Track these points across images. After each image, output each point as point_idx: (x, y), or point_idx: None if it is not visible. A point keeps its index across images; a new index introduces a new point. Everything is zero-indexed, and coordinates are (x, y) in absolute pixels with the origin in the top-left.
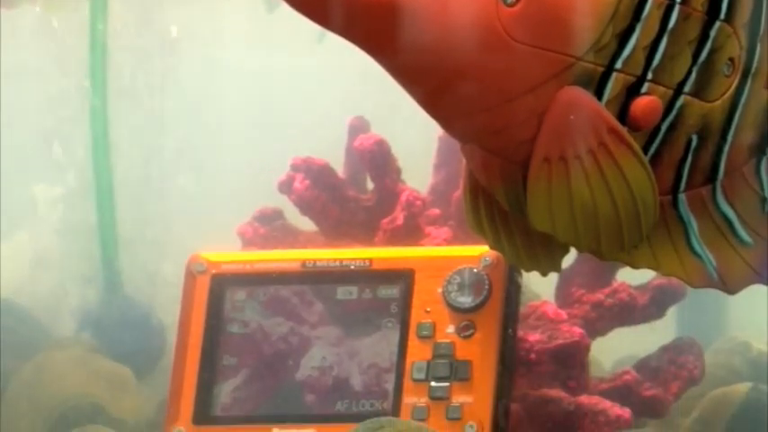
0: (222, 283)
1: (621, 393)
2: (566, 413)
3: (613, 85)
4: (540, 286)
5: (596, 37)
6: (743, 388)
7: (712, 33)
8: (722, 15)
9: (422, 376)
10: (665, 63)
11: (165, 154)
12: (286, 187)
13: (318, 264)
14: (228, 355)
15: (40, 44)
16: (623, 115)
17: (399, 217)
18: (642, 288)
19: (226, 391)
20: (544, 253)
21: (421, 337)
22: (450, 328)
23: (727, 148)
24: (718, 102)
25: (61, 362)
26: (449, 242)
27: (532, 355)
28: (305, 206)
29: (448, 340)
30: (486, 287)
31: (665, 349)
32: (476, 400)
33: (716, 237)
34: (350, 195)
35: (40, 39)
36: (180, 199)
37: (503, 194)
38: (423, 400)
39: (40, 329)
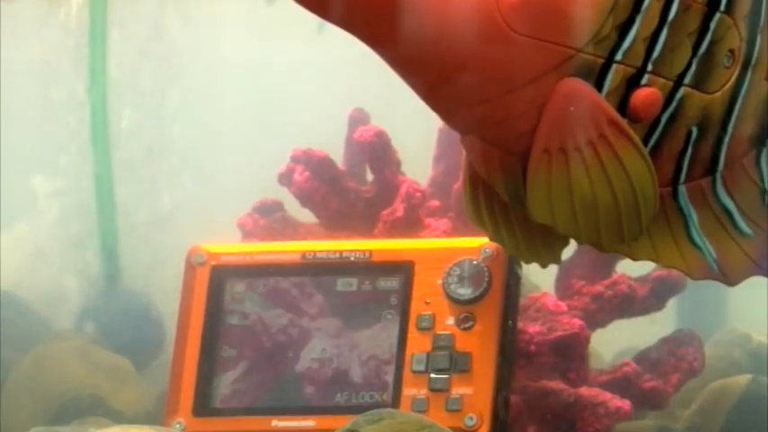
0: (222, 275)
1: (621, 385)
2: (565, 405)
3: (613, 77)
4: (539, 278)
5: (596, 29)
6: (743, 380)
7: (712, 25)
8: (722, 7)
9: (421, 368)
10: (665, 55)
11: (164, 146)
12: (286, 179)
13: (318, 255)
14: (228, 347)
15: (40, 37)
16: (623, 107)
17: (399, 209)
18: (642, 280)
19: (225, 383)
20: (544, 245)
21: (421, 329)
22: (450, 320)
23: (727, 140)
24: (719, 93)
25: (61, 354)
26: (448, 234)
27: (532, 347)
28: (305, 198)
29: (448, 332)
30: (486, 279)
31: (664, 341)
32: (475, 391)
33: (716, 228)
34: (350, 187)
35: (40, 32)
36: (180, 191)
37: (502, 186)
38: (422, 392)
39: (40, 321)
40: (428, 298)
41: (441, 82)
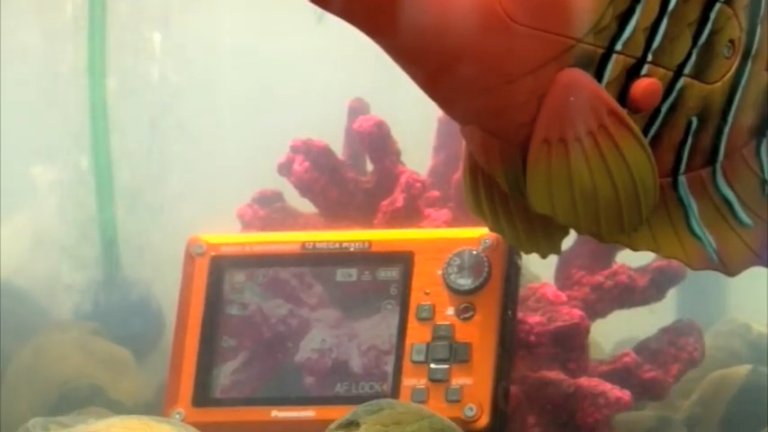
0: (221, 265)
1: (621, 376)
2: (565, 395)
3: (613, 67)
4: (539, 268)
5: (596, 19)
6: (743, 370)
7: (712, 15)
8: None
9: (421, 358)
10: (665, 45)
11: (164, 136)
12: (285, 169)
13: (318, 246)
14: (228, 338)
15: (40, 24)
16: (623, 97)
17: (399, 199)
18: (642, 270)
19: (225, 374)
20: (544, 235)
21: (420, 319)
22: (450, 311)
23: (727, 130)
24: (719, 84)
25: (60, 344)
26: (448, 224)
27: (532, 338)
28: (304, 188)
29: (447, 322)
30: (486, 269)
31: (664, 331)
32: (475, 382)
33: (716, 219)
34: (349, 177)
35: (40, 19)
36: (179, 181)
37: (502, 176)
38: (422, 382)
39: (40, 312)
40: (428, 288)
41: (440, 72)
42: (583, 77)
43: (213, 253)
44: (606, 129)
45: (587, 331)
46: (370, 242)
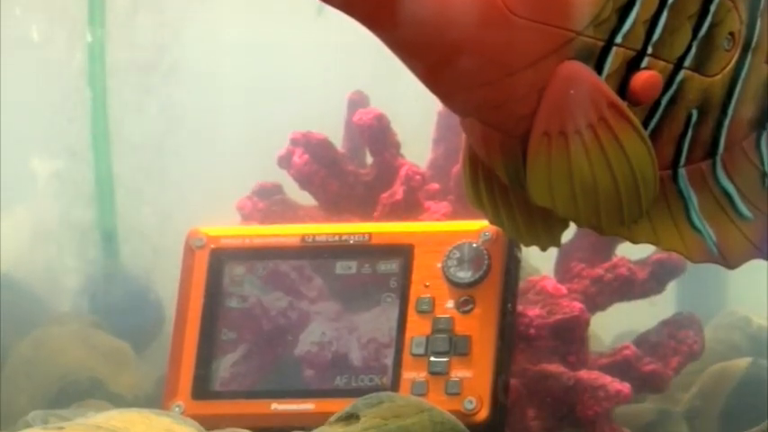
0: (221, 258)
1: (621, 368)
2: (565, 388)
3: (613, 60)
4: (539, 261)
5: (596, 11)
6: (742, 363)
7: (712, 8)
8: None
9: (421, 351)
10: (665, 37)
11: (164, 128)
12: (285, 162)
13: (317, 238)
14: (227, 330)
15: (40, 17)
16: (623, 90)
17: (398, 191)
18: (642, 263)
19: (225, 366)
20: (544, 228)
21: (420, 312)
22: (450, 303)
23: (727, 123)
24: (719, 76)
25: (60, 337)
26: (448, 217)
27: (532, 330)
28: (304, 180)
29: (447, 315)
30: (486, 262)
31: (664, 324)
32: (475, 375)
33: (716, 211)
34: (349, 170)
35: (40, 12)
36: (179, 173)
37: (502, 169)
38: (422, 375)
39: (39, 305)
40: (428, 281)
41: (440, 65)
42: (583, 70)
43: (213, 245)
44: (606, 121)
45: (587, 324)
46: (369, 235)
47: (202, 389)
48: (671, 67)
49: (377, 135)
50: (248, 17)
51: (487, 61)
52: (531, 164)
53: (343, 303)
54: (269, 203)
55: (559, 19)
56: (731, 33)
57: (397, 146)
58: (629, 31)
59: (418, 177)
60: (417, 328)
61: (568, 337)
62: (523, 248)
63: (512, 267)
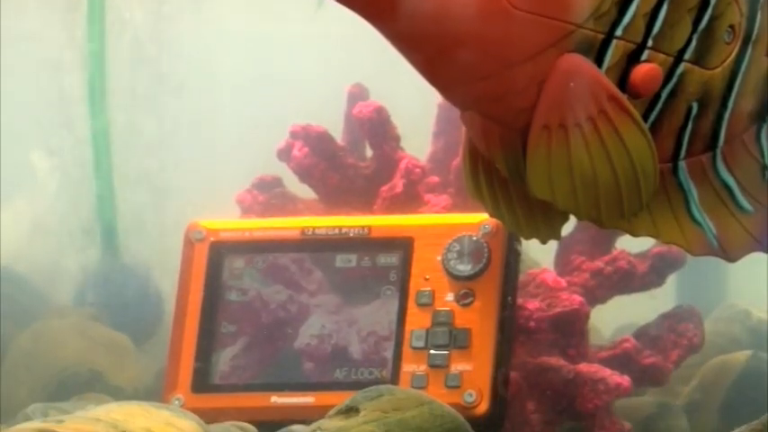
0: (221, 251)
1: (621, 361)
2: (565, 381)
3: (613, 53)
4: (539, 254)
5: (596, 4)
6: (742, 356)
7: (712, 1)
8: None
9: (421, 344)
10: (665, 30)
11: (164, 121)
12: (285, 154)
13: (317, 231)
14: (227, 323)
15: (40, 9)
16: (623, 83)
17: (398, 184)
18: (642, 256)
19: (224, 360)
20: (544, 221)
21: (420, 305)
22: (450, 296)
23: (727, 116)
24: (719, 69)
25: (60, 330)
26: (448, 210)
27: (532, 323)
28: (304, 173)
29: (447, 308)
30: (486, 255)
31: (664, 317)
32: (475, 367)
33: (716, 204)
34: (349, 163)
35: (39, 5)
36: (179, 166)
37: (502, 162)
38: (422, 368)
39: (39, 297)
40: (427, 274)
41: (440, 58)
42: (583, 63)
43: (212, 239)
44: (606, 114)
45: (587, 317)
46: (369, 228)
47: (202, 382)
48: (671, 59)
49: (377, 128)
50: (248, 10)
51: (487, 54)
52: (531, 157)
53: (342, 296)
54: (269, 196)
55: (559, 11)
56: (731, 26)
57: (396, 139)
58: (629, 24)
59: (418, 170)
60: (417, 321)
61: (568, 330)
62: (523, 241)
63: (512, 260)
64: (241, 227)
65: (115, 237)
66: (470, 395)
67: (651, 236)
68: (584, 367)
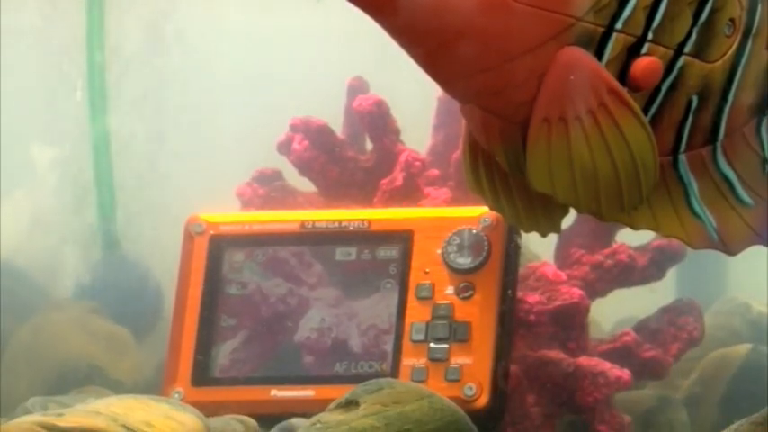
0: (220, 244)
1: (621, 355)
2: (565, 374)
3: (613, 46)
4: (539, 247)
5: None
6: (743, 349)
7: None
8: None
9: (421, 337)
10: (665, 23)
11: (163, 114)
12: (285, 148)
13: (317, 225)
14: (227, 317)
15: (39, 3)
16: (623, 76)
17: (398, 178)
18: (642, 249)
19: (224, 353)
20: (544, 214)
21: (420, 299)
22: (450, 290)
23: (727, 109)
24: (719, 62)
25: (59, 323)
26: (448, 203)
27: (532, 317)
28: (304, 167)
29: (447, 301)
30: (486, 248)
31: (664, 310)
32: (475, 361)
33: (716, 198)
34: (349, 156)
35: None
36: (178, 159)
37: (502, 155)
38: (422, 362)
39: (39, 291)
40: (427, 267)
41: (440, 51)
42: (583, 56)
43: (212, 232)
44: (606, 107)
45: (587, 310)
46: (369, 221)
47: (202, 375)
48: (671, 53)
49: (376, 121)
50: (248, 3)
51: (487, 47)
52: (531, 150)
53: (342, 290)
54: (268, 190)
55: (559, 4)
56: (732, 19)
57: (396, 132)
58: (629, 17)
59: (418, 163)
60: (417, 315)
61: (568, 324)
62: (523, 234)
63: (512, 253)
64: (241, 220)
65: (115, 230)
66: (470, 388)
67: (651, 229)
68: (584, 360)
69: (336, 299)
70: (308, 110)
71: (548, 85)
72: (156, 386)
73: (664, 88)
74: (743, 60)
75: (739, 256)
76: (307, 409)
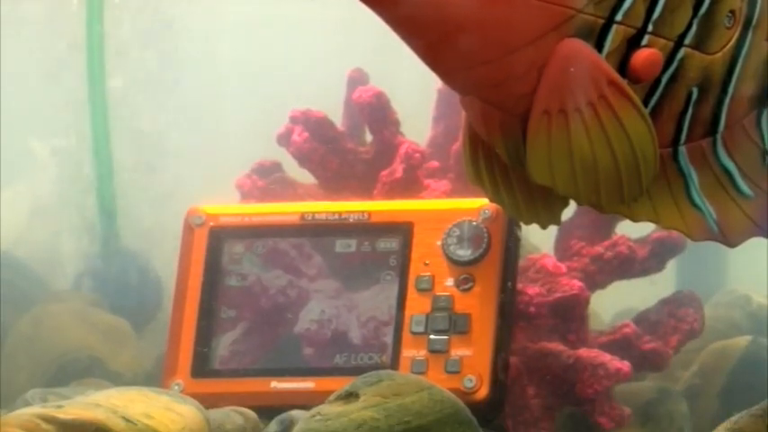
0: (220, 236)
1: (621, 346)
2: (565, 366)
3: (613, 38)
4: (539, 239)
5: None
6: (742, 341)
7: None
8: None
9: (421, 329)
10: (665, 15)
11: (163, 106)
12: (285, 139)
13: (317, 216)
14: (227, 308)
15: None
16: (623, 68)
17: (398, 169)
18: (642, 241)
19: (224, 345)
20: (544, 206)
21: (420, 290)
22: (450, 281)
23: (727, 101)
24: (719, 54)
25: (59, 315)
26: (448, 195)
27: (532, 309)
28: (303, 158)
29: (447, 293)
30: (486, 240)
31: (664, 302)
32: (475, 353)
33: (716, 189)
34: (348, 148)
35: None
36: (178, 151)
37: (502, 147)
38: (422, 353)
39: (38, 282)
40: (427, 259)
41: (440, 43)
42: (583, 48)
43: (212, 224)
44: (606, 99)
45: (587, 302)
46: (369, 213)
47: (202, 367)
48: (671, 44)
49: (376, 113)
50: None
51: (488, 39)
52: (531, 142)
53: (342, 281)
54: (268, 181)
55: None
56: (732, 11)
57: (396, 124)
58: (629, 9)
59: (418, 155)
60: (417, 306)
61: (568, 316)
62: (523, 226)
63: (511, 245)
64: (241, 212)
65: (115, 222)
66: (470, 380)
67: (651, 221)
68: (584, 352)
69: (336, 291)
70: (308, 101)
71: (548, 76)
72: (155, 378)
73: (664, 80)
74: (743, 52)
75: (739, 247)
76: (306, 401)
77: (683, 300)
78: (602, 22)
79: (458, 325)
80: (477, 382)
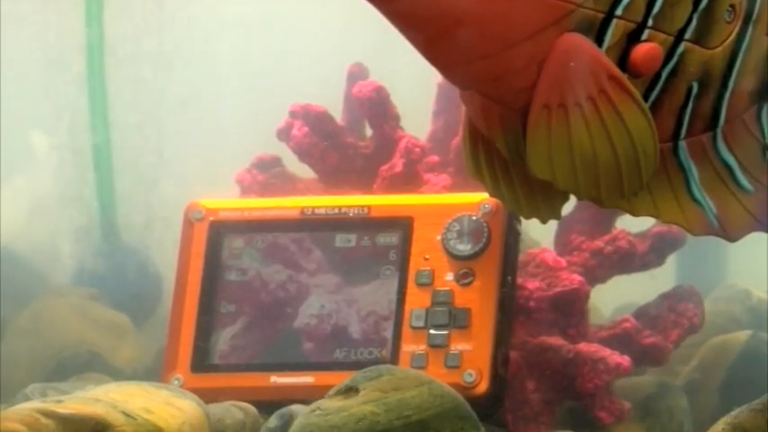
0: (220, 231)
1: (621, 341)
2: (565, 361)
3: (614, 32)
4: (539, 233)
5: None
6: (742, 336)
7: None
8: None
9: (420, 324)
10: (665, 10)
11: (163, 101)
12: (284, 134)
13: (317, 211)
14: (226, 303)
15: None
16: (623, 62)
17: (398, 164)
18: (642, 235)
19: (224, 339)
20: (544, 200)
21: (420, 285)
22: (449, 276)
23: (727, 95)
24: (719, 49)
25: (59, 310)
26: (448, 189)
27: (531, 303)
28: (303, 153)
29: (447, 288)
30: (486, 235)
31: (664, 297)
32: (475, 347)
33: (716, 184)
34: (348, 142)
35: None
36: (178, 146)
37: (502, 142)
38: (421, 348)
39: (38, 277)
40: (427, 254)
41: (440, 37)
42: (583, 42)
43: (212, 218)
44: (606, 94)
45: (587, 297)
46: (369, 207)
47: (201, 362)
48: (671, 39)
49: (376, 107)
50: None
51: (487, 33)
52: (531, 136)
53: (342, 276)
54: (268, 176)
55: None
56: (732, 5)
57: (396, 118)
58: (629, 4)
59: (418, 150)
60: (417, 301)
61: (568, 310)
62: (523, 221)
63: (511, 240)
64: (240, 206)
65: (114, 217)
66: (470, 375)
67: (651, 215)
68: (584, 347)
69: (336, 285)
70: (308, 96)
71: (548, 71)
72: (155, 373)
73: (664, 75)
74: (743, 47)
75: (739, 242)
76: (306, 396)
77: (683, 294)
78: (602, 16)
79: (458, 320)
80: (477, 376)
